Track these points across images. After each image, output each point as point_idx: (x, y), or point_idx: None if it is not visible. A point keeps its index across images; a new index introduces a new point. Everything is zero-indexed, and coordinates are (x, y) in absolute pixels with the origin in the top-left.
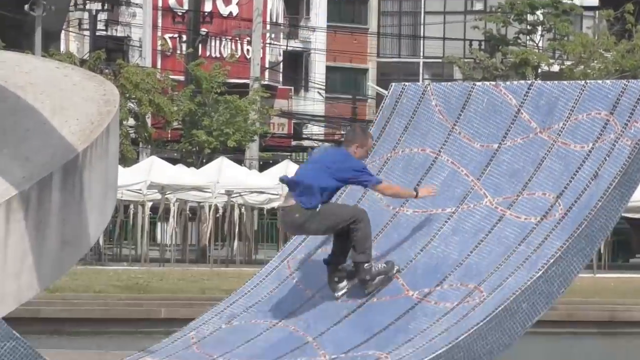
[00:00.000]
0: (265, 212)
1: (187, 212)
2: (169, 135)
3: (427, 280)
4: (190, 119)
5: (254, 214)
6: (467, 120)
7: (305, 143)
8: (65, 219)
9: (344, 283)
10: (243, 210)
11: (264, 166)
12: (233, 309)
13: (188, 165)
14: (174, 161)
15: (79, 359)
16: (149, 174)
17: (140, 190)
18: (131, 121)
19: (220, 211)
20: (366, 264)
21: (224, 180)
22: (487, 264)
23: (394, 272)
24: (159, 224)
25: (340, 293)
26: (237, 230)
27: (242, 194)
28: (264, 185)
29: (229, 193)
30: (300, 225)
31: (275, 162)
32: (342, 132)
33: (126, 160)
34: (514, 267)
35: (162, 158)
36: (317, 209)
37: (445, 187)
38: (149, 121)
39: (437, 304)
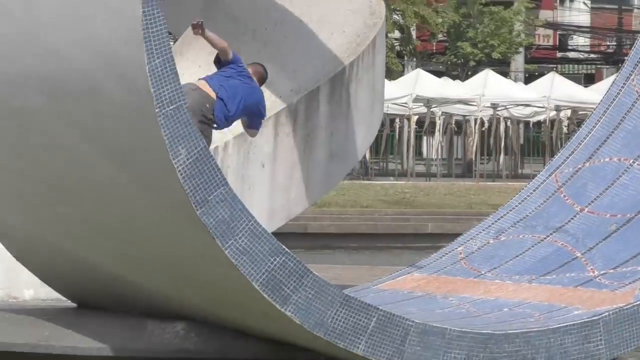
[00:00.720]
0: (531, 125)
1: (453, 125)
2: (434, 48)
3: None
4: (455, 30)
5: (520, 127)
6: None
7: (571, 55)
8: (332, 132)
9: None
10: (509, 123)
11: (529, 78)
12: (501, 223)
13: (453, 78)
14: (439, 74)
15: (347, 274)
16: (415, 87)
17: (405, 103)
18: (396, 33)
19: (486, 124)
20: None
21: (490, 93)
22: None
23: None
24: (424, 137)
25: None
26: (502, 144)
27: (507, 107)
28: (530, 97)
29: (494, 106)
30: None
31: (541, 74)
32: (609, 44)
33: (392, 73)
34: None
35: (427, 71)
36: None
37: None
38: (414, 33)
39: None
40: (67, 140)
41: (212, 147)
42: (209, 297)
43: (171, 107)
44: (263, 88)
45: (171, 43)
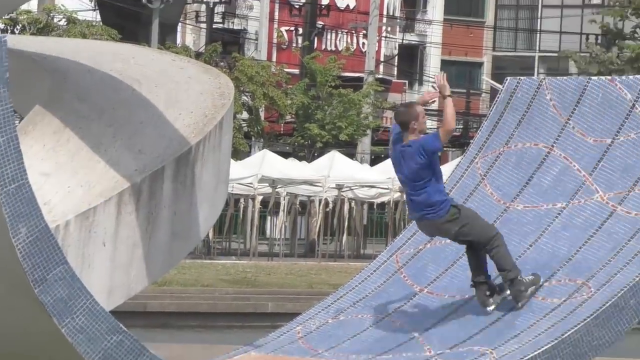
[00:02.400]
0: (375, 206)
1: (297, 206)
2: (282, 129)
3: None
4: (304, 112)
5: (364, 208)
6: (581, 115)
7: None
8: (176, 212)
9: (495, 298)
10: (353, 204)
11: (375, 160)
12: (340, 303)
13: (300, 159)
14: (285, 155)
15: (185, 353)
16: (261, 168)
17: (251, 183)
18: (245, 114)
19: (330, 205)
20: (519, 277)
21: (335, 174)
22: (596, 259)
23: (541, 282)
24: (268, 217)
25: (491, 308)
26: (346, 224)
27: (352, 188)
28: (374, 179)
29: (339, 187)
30: (437, 228)
31: (387, 157)
32: (457, 127)
33: (238, 153)
34: (623, 262)
35: (274, 151)
36: (458, 215)
37: (557, 182)
38: (262, 114)
39: (544, 300)
40: None
41: (52, 225)
42: None
43: (13, 186)
44: None
45: (16, 122)
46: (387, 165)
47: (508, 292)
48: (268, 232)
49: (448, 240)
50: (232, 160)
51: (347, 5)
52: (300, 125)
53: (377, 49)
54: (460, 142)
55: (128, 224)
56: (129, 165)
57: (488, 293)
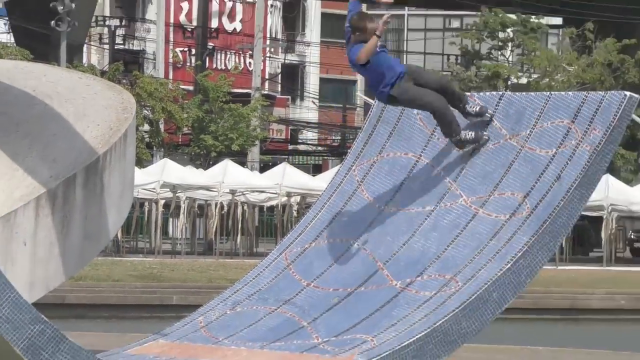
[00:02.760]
0: (265, 209)
1: (196, 209)
2: (180, 140)
3: (408, 272)
4: (199, 125)
5: (255, 211)
6: None
7: (301, 147)
8: (87, 215)
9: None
10: (245, 207)
11: (264, 168)
12: (237, 296)
13: (197, 166)
14: (184, 163)
15: (99, 341)
16: (162, 175)
17: (154, 189)
18: (146, 127)
19: (225, 208)
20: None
21: (229, 180)
22: (462, 257)
23: (485, 139)
24: (170, 219)
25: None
26: (240, 225)
27: (244, 193)
28: (264, 185)
29: (233, 192)
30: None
31: (274, 164)
32: (334, 138)
33: (141, 162)
34: (486, 260)
35: (174, 160)
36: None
37: (425, 188)
38: (162, 127)
39: (417, 293)
40: None
41: None
42: None
43: None
44: None
45: None
46: (274, 173)
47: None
48: (170, 232)
49: (331, 240)
50: (136, 168)
51: (234, 29)
52: (196, 137)
53: (262, 67)
54: (338, 152)
55: (45, 226)
56: (44, 173)
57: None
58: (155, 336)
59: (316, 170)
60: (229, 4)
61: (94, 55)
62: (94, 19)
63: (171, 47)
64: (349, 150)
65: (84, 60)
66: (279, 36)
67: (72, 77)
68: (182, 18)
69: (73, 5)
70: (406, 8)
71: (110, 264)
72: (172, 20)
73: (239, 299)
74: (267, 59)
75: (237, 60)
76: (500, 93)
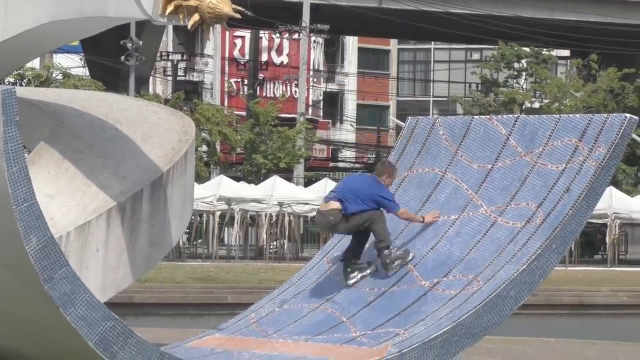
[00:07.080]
0: (309, 219)
1: (248, 219)
2: (234, 159)
3: (435, 273)
4: (251, 145)
5: (300, 220)
6: (467, 146)
7: (340, 164)
8: (153, 224)
9: (355, 274)
10: (292, 217)
11: (308, 183)
12: (284, 295)
13: (249, 182)
14: (237, 179)
15: (163, 336)
16: (218, 189)
17: (211, 202)
18: (204, 147)
19: (274, 218)
20: (386, 250)
21: (277, 194)
22: (483, 259)
23: (410, 258)
24: (225, 228)
25: (352, 282)
26: (287, 233)
27: (291, 204)
28: (308, 198)
29: (280, 204)
30: (332, 226)
31: (317, 180)
32: (369, 156)
33: (200, 178)
34: (504, 262)
35: (229, 176)
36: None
37: (450, 199)
38: (218, 147)
39: (443, 292)
40: None
41: (57, 236)
42: (50, 352)
43: (25, 205)
44: None
45: (26, 155)
46: (317, 187)
47: (368, 271)
48: (226, 239)
49: (367, 246)
50: (195, 184)
51: (282, 62)
52: (248, 156)
53: (306, 95)
54: (373, 168)
55: (116, 234)
56: (115, 188)
57: (349, 270)
58: (212, 331)
59: None
60: (277, 40)
61: (159, 85)
62: (158, 54)
63: (226, 78)
64: None
65: (150, 90)
66: (321, 68)
67: (140, 105)
68: (236, 53)
69: (141, 42)
70: (432, 42)
71: (173, 268)
72: (227, 55)
73: (286, 298)
74: (311, 87)
75: (284, 89)
76: (516, 116)
